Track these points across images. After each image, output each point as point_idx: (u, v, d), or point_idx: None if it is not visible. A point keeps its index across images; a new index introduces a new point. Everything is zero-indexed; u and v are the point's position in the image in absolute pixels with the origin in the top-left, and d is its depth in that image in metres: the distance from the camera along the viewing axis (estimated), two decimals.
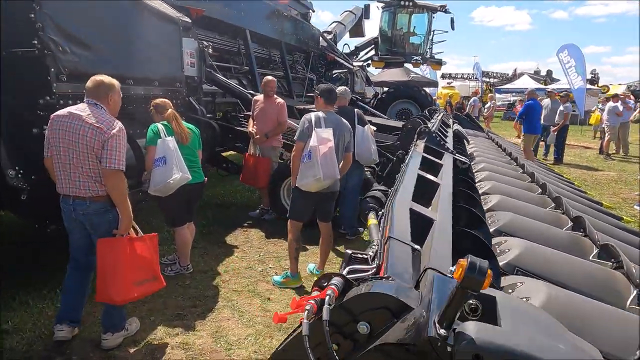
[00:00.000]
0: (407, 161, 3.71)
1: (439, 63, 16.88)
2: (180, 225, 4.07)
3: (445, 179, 3.07)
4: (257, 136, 5.57)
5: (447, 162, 3.89)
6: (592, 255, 1.90)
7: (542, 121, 11.73)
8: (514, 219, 2.36)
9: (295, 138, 3.75)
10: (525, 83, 31.52)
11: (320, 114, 3.78)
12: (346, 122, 4.11)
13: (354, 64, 14.37)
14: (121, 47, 4.11)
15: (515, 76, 40.73)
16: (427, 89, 14.90)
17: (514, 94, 31.05)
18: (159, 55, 4.71)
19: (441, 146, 4.74)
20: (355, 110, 5.05)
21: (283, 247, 4.90)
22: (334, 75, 13.43)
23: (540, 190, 3.66)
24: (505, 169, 4.73)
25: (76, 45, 3.52)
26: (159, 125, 3.79)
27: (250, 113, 6.64)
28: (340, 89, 5.19)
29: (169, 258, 4.35)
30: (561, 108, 10.62)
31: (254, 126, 5.71)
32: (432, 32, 15.90)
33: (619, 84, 34.61)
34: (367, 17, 15.65)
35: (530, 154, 9.24)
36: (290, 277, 3.94)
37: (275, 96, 5.80)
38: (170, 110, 3.89)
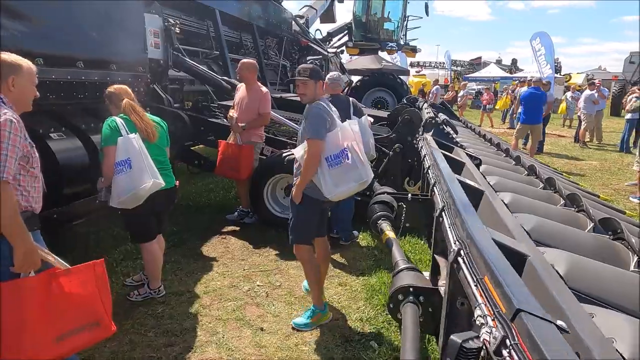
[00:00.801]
0: (429, 161, 3.13)
1: (414, 50, 16.46)
2: (149, 241, 3.35)
3: (484, 186, 2.52)
4: (237, 124, 4.84)
5: (466, 160, 3.35)
6: (587, 229, 1.92)
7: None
8: (515, 197, 2.45)
9: (311, 136, 2.82)
10: (492, 72, 31.85)
11: (325, 103, 3.08)
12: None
13: (328, 50, 13.70)
14: (66, 19, 3.29)
15: (481, 65, 41.26)
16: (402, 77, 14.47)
17: (478, 82, 31.25)
18: (117, 31, 3.89)
19: (450, 140, 4.21)
20: (351, 99, 4.42)
21: (270, 257, 4.25)
22: (308, 62, 12.73)
23: (534, 175, 3.64)
24: (497, 158, 4.36)
25: (5, 15, 2.71)
26: (118, 120, 3.04)
27: (225, 103, 5.91)
28: (334, 74, 4.54)
29: (135, 279, 3.61)
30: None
31: (234, 113, 4.99)
32: (406, 18, 15.45)
33: (578, 73, 35.60)
34: (341, 1, 14.96)
35: (516, 144, 9.00)
36: (319, 312, 3.11)
37: (258, 84, 5.08)
38: (125, 100, 3.13)
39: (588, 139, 12.48)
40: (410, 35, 16.54)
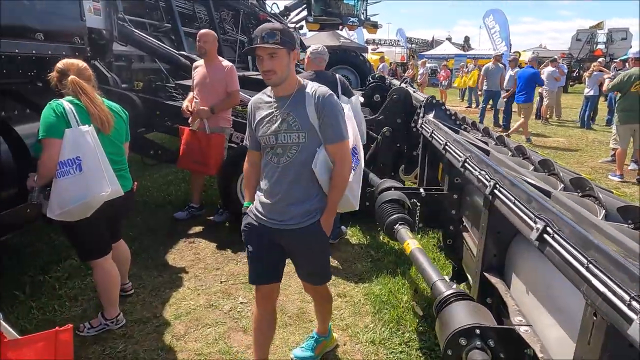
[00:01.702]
0: (442, 145, 2.62)
1: (375, 26, 15.93)
2: (101, 257, 2.63)
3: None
4: (202, 107, 4.10)
5: (490, 148, 2.85)
6: (559, 189, 1.92)
7: (487, 87, 11.37)
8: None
9: (342, 137, 2.02)
10: (447, 49, 32.01)
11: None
12: None
13: (287, 25, 12.86)
14: None
15: (434, 43, 41.48)
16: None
17: (430, 60, 31.26)
18: None
19: (454, 123, 3.71)
20: (338, 76, 3.80)
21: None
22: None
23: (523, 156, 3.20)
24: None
25: None
26: (66, 105, 2.30)
27: (184, 82, 5.11)
28: (317, 46, 3.89)
29: (94, 324, 2.86)
30: (511, 73, 10.21)
31: (195, 96, 4.24)
32: None
33: (524, 51, 36.64)
34: None
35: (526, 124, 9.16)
36: (324, 339, 2.54)
37: (220, 58, 4.33)
38: (71, 76, 2.38)
39: (548, 116, 12.58)
40: (371, 11, 16.03)
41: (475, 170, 2.04)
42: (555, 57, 14.31)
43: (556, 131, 10.95)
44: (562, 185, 2.10)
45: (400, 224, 2.46)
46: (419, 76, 18.45)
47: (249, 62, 10.90)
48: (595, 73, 10.85)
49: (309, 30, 14.81)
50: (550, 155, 7.28)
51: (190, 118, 4.32)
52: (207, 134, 4.15)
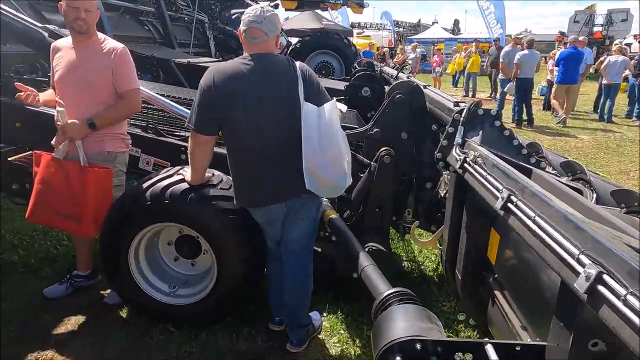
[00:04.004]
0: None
1: (361, 5, 14.05)
2: None
3: None
4: (72, 121, 2.37)
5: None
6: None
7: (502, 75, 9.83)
8: None
9: None
10: (436, 33, 30.27)
11: None
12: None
13: (259, 2, 11.00)
14: None
15: (420, 27, 39.63)
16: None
17: (419, 44, 29.54)
18: None
19: (517, 150, 2.03)
20: (298, 64, 2.05)
21: None
22: (234, 17, 9.97)
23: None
24: None
25: None
26: None
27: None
28: (254, 9, 2.12)
29: None
30: (525, 52, 8.64)
31: (58, 100, 2.49)
32: None
33: (508, 36, 35.13)
34: None
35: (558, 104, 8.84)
36: None
37: (102, 36, 2.56)
38: None
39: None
40: None
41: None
42: (572, 37, 12.68)
43: (574, 126, 9.37)
44: None
45: None
46: (409, 61, 16.72)
47: (211, 46, 9.06)
48: (619, 59, 9.28)
49: (285, 10, 12.92)
50: (581, 161, 5.67)
51: (55, 138, 2.57)
52: (81, 166, 2.41)
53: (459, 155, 1.69)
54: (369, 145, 2.78)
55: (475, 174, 1.49)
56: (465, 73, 14.63)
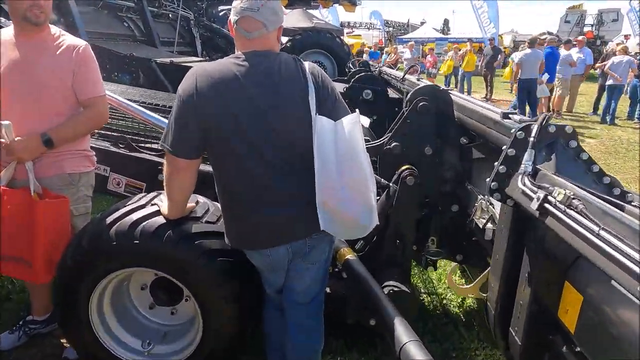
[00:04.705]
0: None
1: (354, 3, 13.64)
2: None
3: None
4: (18, 139, 1.87)
5: None
6: None
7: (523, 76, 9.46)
8: None
9: None
10: (426, 33, 29.97)
11: None
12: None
13: None
14: None
15: (409, 27, 39.35)
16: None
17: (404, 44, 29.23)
18: None
19: (598, 179, 1.58)
20: (307, 65, 1.58)
21: None
22: (221, 14, 9.45)
23: None
24: None
25: None
26: None
27: None
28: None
29: None
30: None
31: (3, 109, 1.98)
32: None
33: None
34: None
35: None
36: None
37: (57, 30, 2.05)
38: None
39: (564, 109, 10.66)
40: None
41: None
42: (571, 38, 12.40)
43: (578, 129, 9.02)
44: None
45: None
46: (405, 61, 16.32)
47: (197, 45, 8.52)
48: (624, 59, 8.98)
49: None
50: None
51: None
52: (30, 196, 1.90)
53: (533, 191, 1.23)
54: (386, 162, 2.31)
55: (573, 223, 1.03)
56: (460, 72, 14.26)
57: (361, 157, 1.47)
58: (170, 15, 7.93)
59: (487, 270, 1.96)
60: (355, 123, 1.49)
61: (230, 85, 1.47)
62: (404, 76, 4.26)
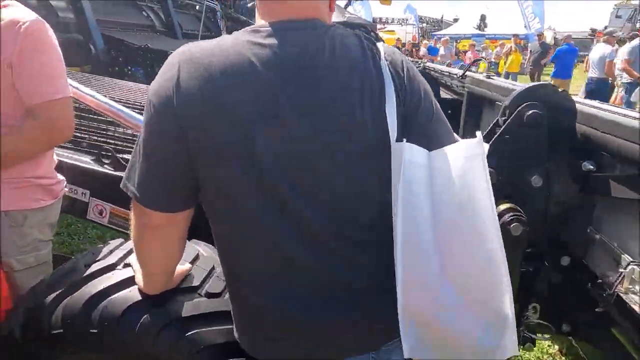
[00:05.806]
0: None
1: None
2: None
3: None
4: None
5: None
6: None
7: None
8: None
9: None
10: (463, 28, 28.68)
11: None
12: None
13: None
14: None
15: (442, 23, 37.95)
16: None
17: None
18: None
19: None
20: (384, 48, 0.91)
21: None
22: (249, 5, 8.86)
23: None
24: None
25: None
26: None
27: None
28: None
29: None
30: None
31: None
32: None
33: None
34: None
35: None
36: None
37: (16, 10, 1.41)
38: None
39: None
40: None
41: None
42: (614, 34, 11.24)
43: None
44: None
45: None
46: (439, 58, 15.40)
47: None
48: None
49: None
50: None
51: None
52: None
53: None
54: None
55: None
56: (504, 73, 13.23)
57: (487, 225, 0.77)
58: (197, 6, 7.41)
59: None
60: (475, 157, 0.79)
61: (239, 82, 0.79)
62: (464, 73, 3.50)
